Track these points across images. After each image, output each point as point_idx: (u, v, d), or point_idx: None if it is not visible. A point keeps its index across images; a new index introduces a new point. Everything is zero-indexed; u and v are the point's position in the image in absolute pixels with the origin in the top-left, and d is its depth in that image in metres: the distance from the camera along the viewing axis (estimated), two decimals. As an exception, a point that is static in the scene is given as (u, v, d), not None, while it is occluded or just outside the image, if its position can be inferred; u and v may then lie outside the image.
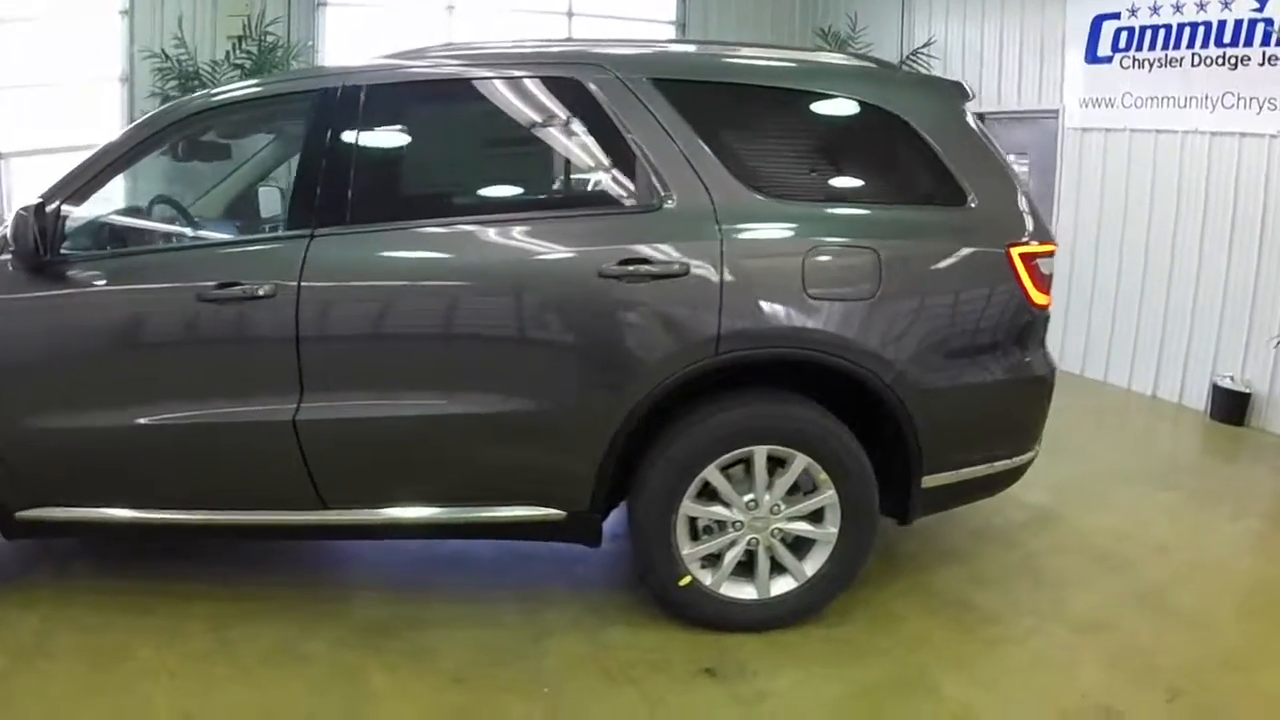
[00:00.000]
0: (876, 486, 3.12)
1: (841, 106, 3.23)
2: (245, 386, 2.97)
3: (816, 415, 3.08)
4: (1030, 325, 3.22)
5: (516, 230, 3.00)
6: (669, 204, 2.96)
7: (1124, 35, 6.55)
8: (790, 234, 3.04)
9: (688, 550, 3.06)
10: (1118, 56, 6.61)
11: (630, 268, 2.87)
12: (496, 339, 2.99)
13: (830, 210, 3.14)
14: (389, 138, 3.25)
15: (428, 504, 3.10)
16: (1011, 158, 7.53)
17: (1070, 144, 7.03)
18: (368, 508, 3.10)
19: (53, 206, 2.90)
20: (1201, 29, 6.04)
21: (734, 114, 3.17)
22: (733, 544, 3.09)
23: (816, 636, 3.13)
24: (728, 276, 2.89)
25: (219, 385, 2.98)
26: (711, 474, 3.01)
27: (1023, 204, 3.23)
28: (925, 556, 3.81)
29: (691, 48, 3.69)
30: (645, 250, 2.90)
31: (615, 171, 3.14)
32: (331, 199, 2.97)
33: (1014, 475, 3.41)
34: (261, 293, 2.87)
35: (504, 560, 3.65)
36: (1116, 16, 6.58)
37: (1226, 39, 5.90)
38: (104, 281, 3.01)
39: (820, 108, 3.23)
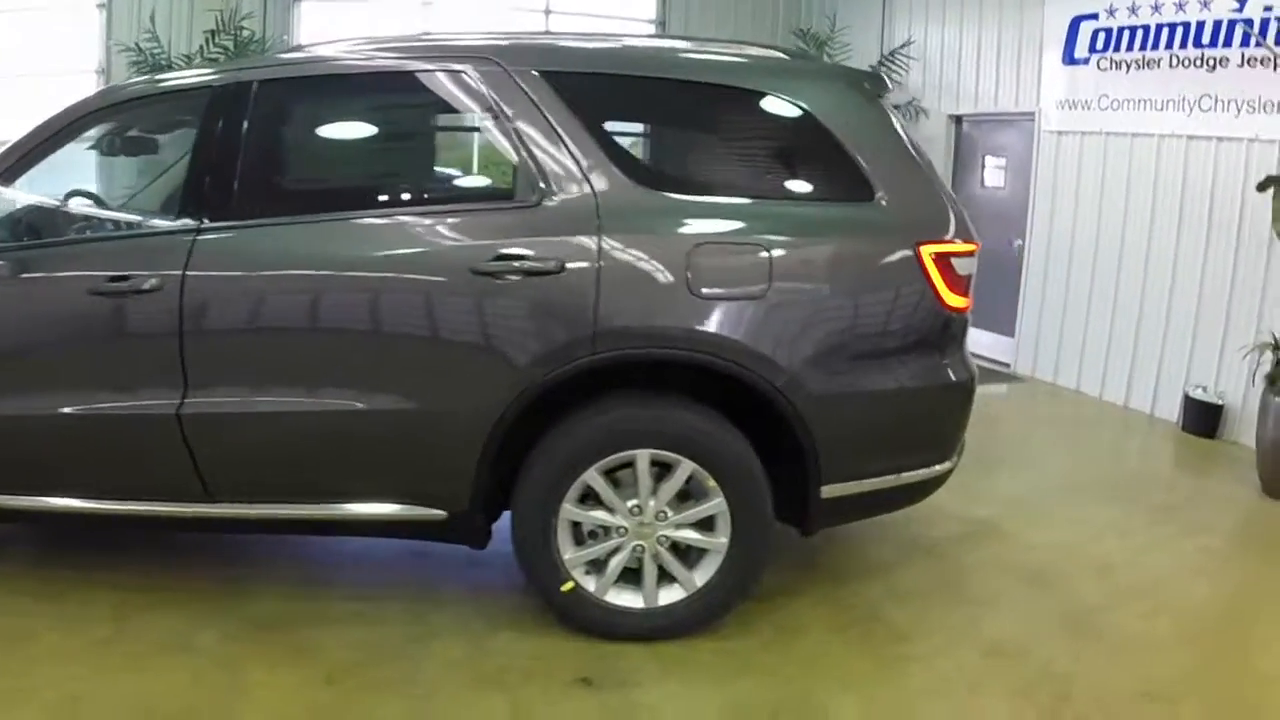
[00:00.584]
0: (770, 495, 2.97)
1: (740, 98, 3.08)
2: (134, 379, 2.95)
3: (702, 419, 2.92)
4: (943, 329, 3.04)
5: (395, 226, 2.96)
6: (550, 199, 2.86)
7: (1101, 36, 6.36)
8: (673, 230, 2.88)
9: (570, 555, 2.95)
10: (1095, 58, 6.41)
11: (504, 264, 2.79)
12: (371, 335, 2.91)
13: (719, 205, 2.99)
14: (276, 133, 3.15)
15: (311, 500, 3.03)
16: (991, 161, 7.51)
17: (1046, 147, 6.84)
18: (253, 502, 3.03)
19: None
20: (1180, 30, 5.84)
21: (624, 107, 3.09)
22: (617, 550, 2.96)
23: (707, 649, 2.98)
24: (605, 274, 2.79)
25: (110, 378, 2.96)
26: (592, 477, 2.88)
27: (939, 201, 3.07)
28: (847, 568, 3.64)
29: (589, 41, 3.51)
30: (520, 246, 2.81)
31: (499, 165, 3.07)
32: (218, 193, 2.94)
33: (927, 487, 3.23)
34: (148, 286, 2.85)
35: (403, 560, 3.53)
36: (1095, 17, 6.39)
37: (1205, 40, 5.70)
38: (10, 273, 2.96)
39: (716, 99, 3.08)
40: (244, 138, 2.96)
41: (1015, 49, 7.09)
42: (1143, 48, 6.08)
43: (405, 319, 2.88)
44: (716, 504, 2.92)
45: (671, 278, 2.81)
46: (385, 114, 3.25)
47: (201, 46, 8.10)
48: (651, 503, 2.92)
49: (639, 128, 3.16)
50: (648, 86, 3.08)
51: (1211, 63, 5.66)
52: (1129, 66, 6.18)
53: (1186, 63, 5.81)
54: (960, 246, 3.01)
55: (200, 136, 3.02)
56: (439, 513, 2.95)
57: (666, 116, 3.17)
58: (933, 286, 2.96)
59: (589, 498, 2.93)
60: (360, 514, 3.01)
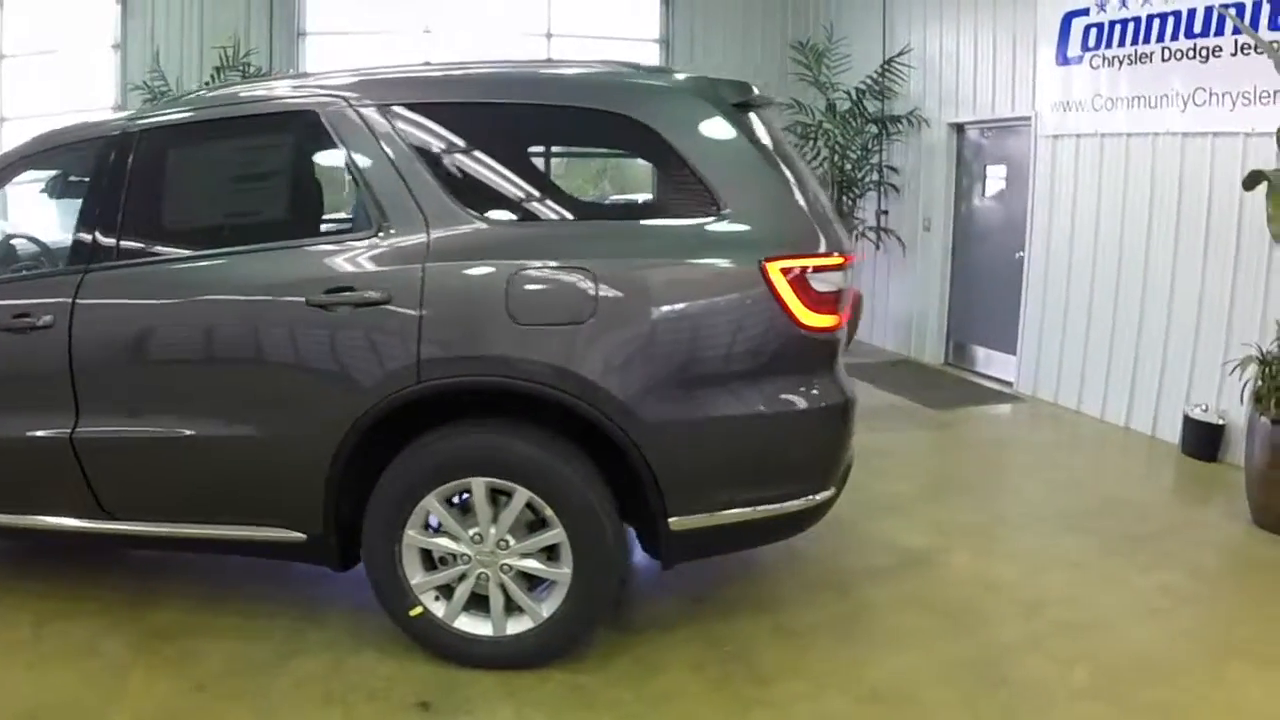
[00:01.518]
0: (611, 526, 2.80)
1: (578, 118, 2.99)
2: (38, 407, 3.14)
3: (534, 448, 2.79)
4: (801, 350, 2.80)
5: (246, 262, 3.02)
6: (385, 231, 2.88)
7: (1093, 32, 5.98)
8: (495, 258, 2.80)
9: (418, 580, 2.93)
10: (1088, 56, 6.03)
11: (334, 296, 2.82)
12: (224, 365, 3.01)
13: (545, 230, 2.91)
14: (149, 179, 3.21)
15: (190, 520, 3.14)
16: (993, 170, 7.14)
17: (1043, 153, 6.45)
18: (143, 521, 3.17)
19: None
20: (1171, 20, 5.44)
21: (461, 135, 3.00)
22: (463, 577, 2.91)
23: (557, 680, 2.88)
24: (428, 303, 2.78)
25: (21, 404, 3.18)
26: (431, 504, 2.85)
27: (797, 213, 2.83)
28: (740, 601, 3.40)
29: (432, 70, 3.46)
30: (349, 279, 2.84)
31: (343, 200, 3.11)
32: (102, 237, 3.13)
33: (800, 519, 2.97)
34: (41, 323, 3.05)
35: (302, 578, 3.50)
36: (1085, 13, 6.02)
37: (1197, 29, 5.29)
38: None
39: (553, 121, 3.03)
40: (123, 184, 3.13)
41: (1010, 51, 6.75)
42: (1134, 42, 5.68)
43: (252, 350, 2.94)
44: (556, 534, 2.81)
45: (491, 306, 2.75)
46: (244, 156, 3.33)
47: (207, 82, 8.25)
48: (492, 531, 2.85)
49: (478, 155, 3.03)
50: (484, 112, 3.02)
51: (1204, 53, 5.25)
52: (1121, 63, 5.79)
53: (1179, 54, 5.40)
54: (819, 261, 2.77)
55: (92, 182, 3.21)
56: (299, 535, 2.99)
57: (503, 142, 3.06)
58: (783, 305, 2.73)
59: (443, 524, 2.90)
60: (230, 535, 3.10)
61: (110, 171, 3.15)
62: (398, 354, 2.78)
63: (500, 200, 2.98)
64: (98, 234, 3.13)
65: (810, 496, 2.91)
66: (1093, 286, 6.07)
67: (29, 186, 3.90)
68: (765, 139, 2.95)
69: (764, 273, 2.70)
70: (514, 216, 2.97)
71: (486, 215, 2.89)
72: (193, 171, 3.32)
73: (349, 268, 2.87)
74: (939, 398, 6.67)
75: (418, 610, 2.92)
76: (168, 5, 8.62)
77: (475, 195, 2.94)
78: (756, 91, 3.11)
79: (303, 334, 2.87)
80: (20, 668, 2.97)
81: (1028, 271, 6.66)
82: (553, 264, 2.76)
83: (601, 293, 2.71)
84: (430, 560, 2.94)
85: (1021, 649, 3.08)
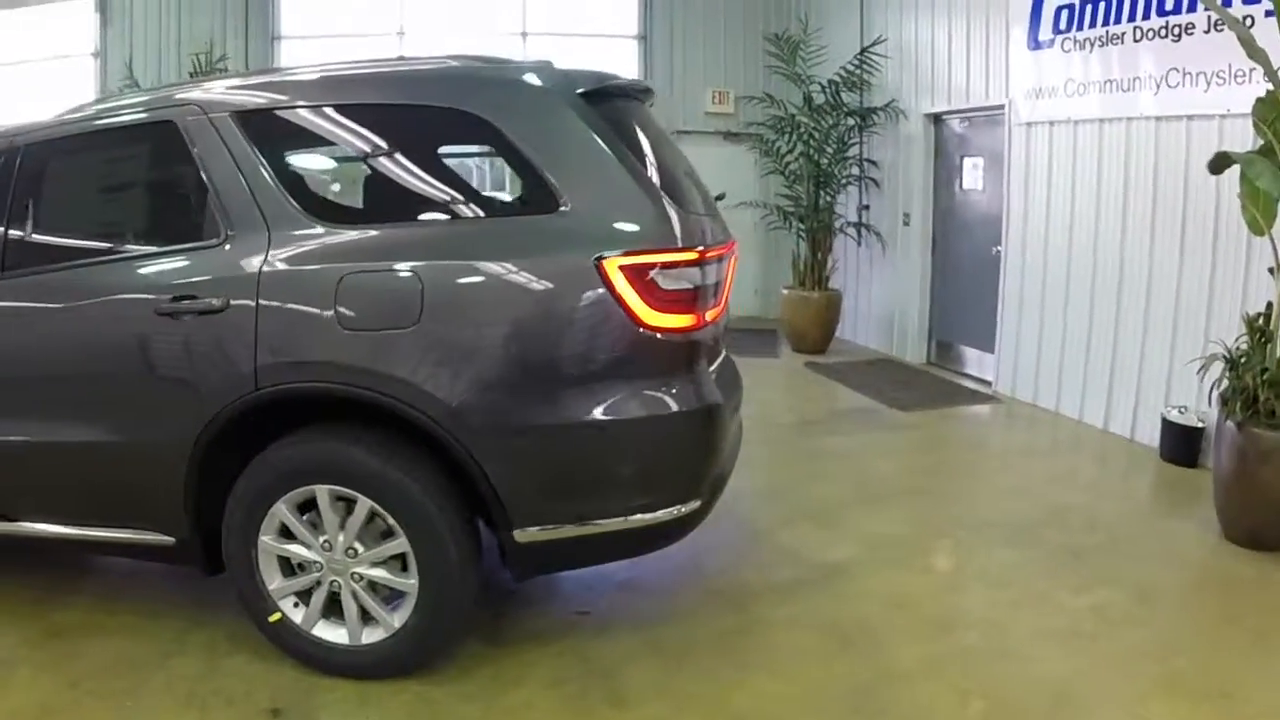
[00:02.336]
0: (455, 538, 2.63)
1: (414, 116, 2.82)
2: None
3: (370, 456, 2.64)
4: (648, 353, 2.58)
5: (103, 272, 2.99)
6: (230, 239, 2.81)
7: (1065, 14, 5.66)
8: (325, 263, 2.69)
9: (275, 585, 2.85)
10: (1059, 39, 5.71)
11: (179, 304, 2.78)
12: (85, 374, 2.96)
13: (377, 234, 2.74)
14: (26, 191, 3.18)
15: (71, 522, 3.11)
16: (969, 161, 6.81)
17: (1017, 142, 6.13)
18: (34, 521, 3.15)
19: None
20: (1142, -3, 5.11)
21: (301, 140, 2.93)
22: (318, 584, 2.82)
23: (411, 692, 2.75)
24: (263, 311, 2.71)
25: None
26: (281, 510, 2.77)
27: (642, 206, 2.60)
28: (622, 615, 3.20)
29: (282, 75, 3.37)
30: (194, 287, 2.79)
31: (195, 209, 2.97)
32: None
33: (660, 533, 2.73)
34: None
35: (197, 580, 3.30)
36: (1058, -8, 5.69)
37: (1169, 5, 4.97)
38: None
39: (392, 120, 2.84)
40: (6, 195, 3.12)
41: (983, 36, 6.44)
42: (1106, 22, 5.36)
43: (110, 358, 2.91)
44: (400, 544, 2.68)
45: (321, 312, 2.65)
46: (109, 168, 3.27)
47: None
48: (340, 538, 2.74)
49: (313, 160, 2.99)
50: (325, 116, 2.89)
51: (1176, 31, 4.92)
52: (1093, 45, 5.46)
53: (1150, 34, 5.08)
54: (666, 256, 2.55)
55: None
56: (168, 539, 2.95)
57: (343, 145, 2.94)
58: (622, 304, 2.51)
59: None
60: (107, 537, 3.06)
61: None
62: (237, 361, 2.72)
63: (338, 205, 2.91)
64: None
65: (669, 509, 2.67)
66: (1069, 281, 5.74)
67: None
68: (617, 130, 2.73)
69: (601, 271, 2.50)
70: (351, 221, 2.84)
71: (326, 220, 2.76)
72: (64, 183, 3.25)
73: (194, 276, 2.80)
74: (910, 398, 6.35)
75: (276, 616, 2.86)
76: (145, 13, 8.64)
77: (316, 201, 2.87)
78: (616, 80, 2.95)
79: (154, 342, 2.84)
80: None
81: (1004, 266, 6.34)
82: (380, 268, 2.62)
83: (428, 296, 2.56)
84: (291, 567, 2.86)
85: (915, 676, 2.80)
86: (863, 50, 7.49)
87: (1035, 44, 5.87)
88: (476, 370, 2.56)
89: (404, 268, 2.60)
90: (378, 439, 2.67)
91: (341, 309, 2.62)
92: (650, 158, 2.84)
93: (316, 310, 2.64)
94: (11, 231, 3.11)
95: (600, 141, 2.65)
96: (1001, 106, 6.27)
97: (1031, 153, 6.00)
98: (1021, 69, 6.03)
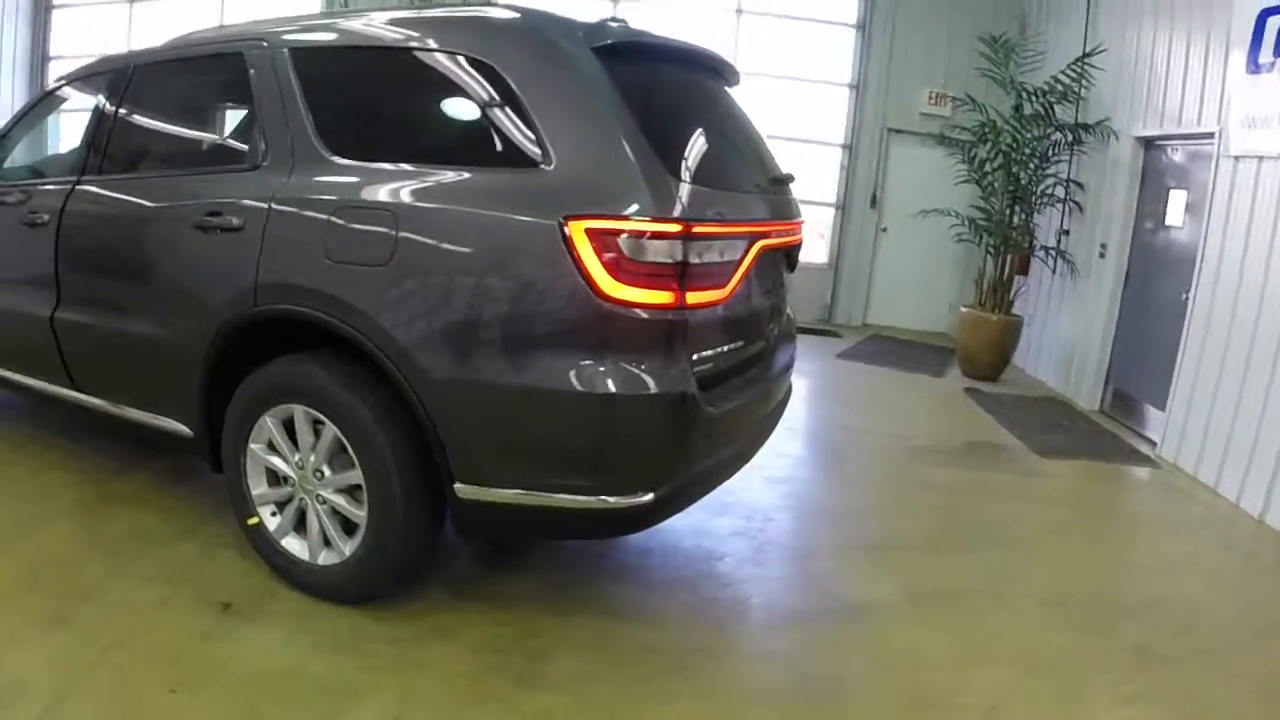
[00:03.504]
0: (399, 475, 2.71)
1: (427, 60, 2.86)
2: (30, 287, 3.70)
3: (336, 384, 2.77)
4: (601, 324, 2.46)
5: (165, 184, 3.35)
6: (264, 164, 3.02)
7: (1297, 33, 4.88)
8: (323, 195, 2.83)
9: (259, 492, 3.07)
10: (1284, 63, 4.94)
11: (209, 220, 3.03)
12: (141, 270, 3.32)
13: (376, 171, 2.82)
14: (126, 107, 3.62)
15: (123, 402, 3.52)
16: (1175, 195, 6.07)
17: (1224, 176, 5.37)
18: (96, 396, 3.62)
19: None
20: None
21: (335, 77, 3.07)
22: (291, 499, 3.01)
23: (349, 619, 2.91)
24: (268, 233, 2.90)
25: (15, 282, 3.78)
26: (267, 423, 2.98)
27: (620, 167, 2.49)
28: (594, 604, 3.19)
29: (331, 17, 3.64)
30: (223, 206, 3.02)
31: (244, 136, 3.25)
32: (88, 157, 3.62)
33: (604, 521, 2.65)
34: (40, 221, 3.60)
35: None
36: (1288, 10, 4.92)
37: None
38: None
39: (407, 64, 2.92)
40: (104, 113, 3.60)
41: (1202, 54, 5.67)
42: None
43: (157, 258, 3.27)
44: (356, 474, 2.79)
45: (312, 241, 2.80)
46: (191, 92, 3.65)
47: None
48: (312, 459, 2.90)
49: (342, 96, 3.05)
50: (354, 55, 3.07)
51: None
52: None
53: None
54: (639, 224, 2.42)
55: (96, 106, 3.69)
56: (187, 430, 3.25)
57: (366, 84, 3.04)
58: (582, 269, 2.42)
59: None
60: (144, 420, 3.42)
61: (109, 97, 3.63)
62: (243, 278, 2.92)
63: (352, 142, 2.96)
64: (89, 152, 3.62)
65: (613, 498, 2.57)
66: (1253, 343, 4.99)
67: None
68: (631, 91, 2.64)
69: (565, 233, 2.43)
70: (358, 158, 2.91)
71: (339, 155, 2.91)
72: (155, 103, 3.64)
73: (226, 196, 3.05)
74: (1057, 444, 5.80)
75: (254, 520, 3.07)
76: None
77: (335, 136, 2.96)
78: (646, 39, 2.86)
79: (188, 249, 3.12)
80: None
81: (1190, 316, 5.60)
82: (366, 205, 2.72)
83: (401, 237, 2.62)
84: (275, 478, 3.05)
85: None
86: (1081, 58, 6.81)
87: (1254, 67, 5.10)
88: (432, 316, 2.59)
89: (386, 207, 2.68)
90: (347, 369, 2.77)
91: (331, 242, 2.75)
92: (666, 123, 2.73)
93: (309, 239, 2.79)
94: (107, 143, 3.58)
95: (598, 100, 2.57)
96: (1212, 135, 5.52)
97: (1237, 190, 5.24)
98: (1237, 94, 5.26)
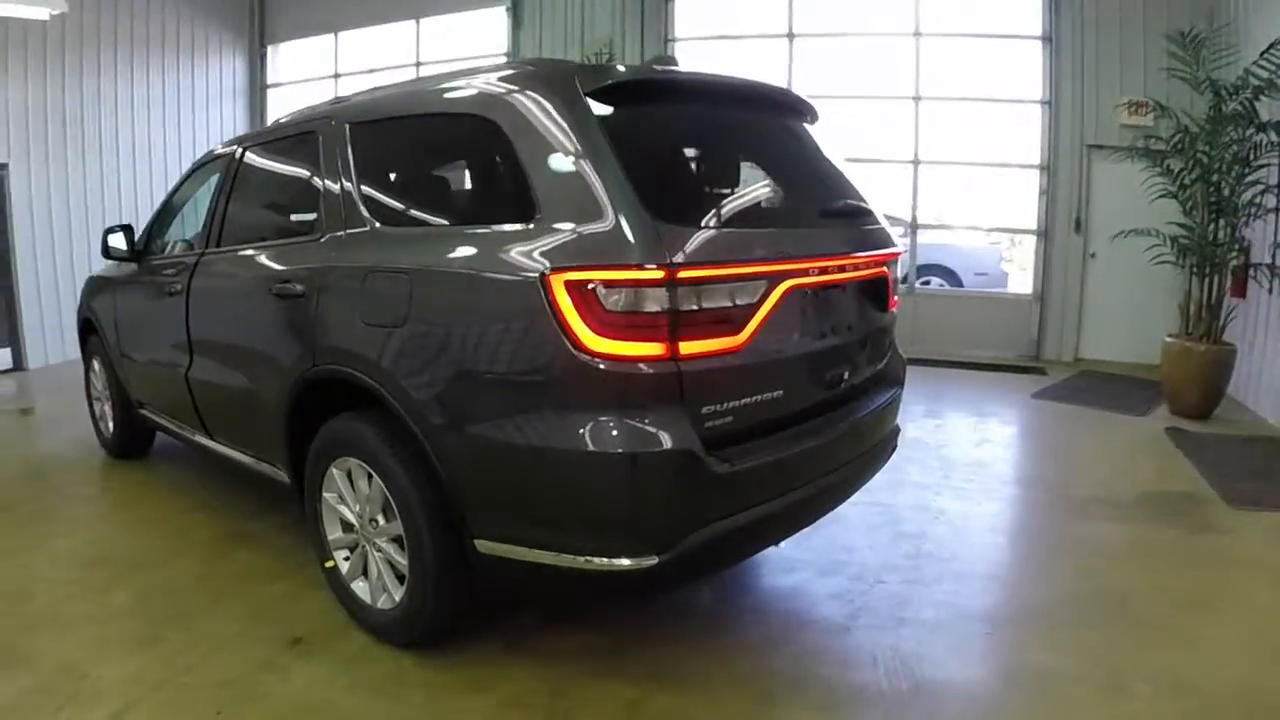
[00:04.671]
0: (429, 530, 2.77)
1: (443, 123, 3.00)
2: (174, 347, 4.20)
3: (379, 441, 2.89)
4: (586, 380, 2.38)
5: (257, 255, 3.65)
6: (323, 234, 3.25)
7: None
8: (360, 260, 3.00)
9: (333, 537, 3.25)
10: None
11: (280, 287, 3.31)
12: (241, 332, 3.71)
13: (399, 234, 3.00)
14: (229, 189, 4.07)
15: (238, 449, 3.92)
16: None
17: None
18: (224, 445, 4.05)
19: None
20: None
21: (375, 146, 3.23)
22: (356, 545, 3.17)
23: (396, 662, 3.03)
24: (321, 299, 3.12)
25: (165, 343, 4.28)
26: (334, 474, 3.16)
27: (602, 217, 2.41)
28: (638, 659, 3.10)
29: (379, 88, 3.68)
30: (291, 274, 3.29)
31: (314, 206, 3.43)
32: (209, 232, 4.08)
33: (607, 582, 2.52)
34: (173, 291, 4.14)
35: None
36: None
37: None
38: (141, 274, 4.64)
39: (426, 129, 3.08)
40: (220, 191, 4.09)
41: None
42: None
43: (250, 323, 3.59)
44: (397, 525, 2.91)
45: (351, 305, 2.97)
46: (275, 167, 3.95)
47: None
48: (367, 509, 3.05)
49: (383, 165, 3.23)
50: (389, 125, 3.22)
51: None
52: None
53: None
54: (607, 274, 2.33)
55: (215, 190, 4.18)
56: (285, 478, 3.51)
57: (396, 150, 3.21)
58: (564, 324, 2.37)
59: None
60: (257, 467, 3.77)
61: (224, 176, 4.09)
62: (307, 339, 3.16)
63: (387, 207, 3.13)
64: (209, 227, 4.08)
65: (611, 560, 2.46)
66: None
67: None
68: (626, 133, 2.56)
69: (547, 286, 2.39)
70: (393, 222, 3.08)
71: (383, 219, 3.08)
72: (254, 181, 4.04)
73: (294, 264, 3.31)
74: (1259, 494, 4.98)
75: (330, 563, 3.26)
76: (553, 17, 9.64)
77: (377, 203, 3.15)
78: (646, 75, 2.82)
79: (270, 314, 3.38)
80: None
81: None
82: (388, 268, 2.86)
83: (415, 297, 2.73)
84: (347, 525, 3.22)
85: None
86: (1264, 52, 5.91)
87: None
88: (440, 373, 2.66)
89: (405, 271, 2.79)
90: (388, 427, 2.88)
91: (364, 304, 2.90)
92: (669, 163, 2.66)
93: (350, 303, 2.97)
94: (225, 216, 4.02)
95: (583, 147, 2.51)
96: None
97: None
98: None
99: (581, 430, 2.39)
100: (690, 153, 2.81)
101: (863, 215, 3.28)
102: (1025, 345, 9.07)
